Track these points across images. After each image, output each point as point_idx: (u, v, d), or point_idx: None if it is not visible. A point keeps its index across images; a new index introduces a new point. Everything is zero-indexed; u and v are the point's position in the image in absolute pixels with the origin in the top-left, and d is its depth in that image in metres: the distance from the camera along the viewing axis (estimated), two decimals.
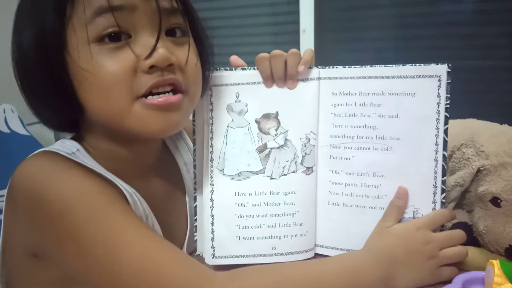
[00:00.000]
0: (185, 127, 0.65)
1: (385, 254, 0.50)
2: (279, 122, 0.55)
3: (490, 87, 2.03)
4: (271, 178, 0.55)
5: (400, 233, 0.51)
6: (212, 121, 0.56)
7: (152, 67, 0.47)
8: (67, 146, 0.51)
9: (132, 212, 0.48)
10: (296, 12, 2.16)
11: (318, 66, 0.56)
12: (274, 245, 0.54)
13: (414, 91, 0.51)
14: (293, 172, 0.55)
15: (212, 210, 0.55)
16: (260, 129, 0.55)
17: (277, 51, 0.55)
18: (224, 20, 2.37)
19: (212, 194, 0.55)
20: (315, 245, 0.55)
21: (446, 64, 0.50)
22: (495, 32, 1.95)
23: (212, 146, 0.55)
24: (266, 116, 0.56)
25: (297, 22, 2.17)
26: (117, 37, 0.47)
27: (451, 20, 2.03)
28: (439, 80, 0.50)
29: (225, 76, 0.56)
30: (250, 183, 0.54)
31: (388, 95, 0.52)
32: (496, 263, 0.47)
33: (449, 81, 0.50)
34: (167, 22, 0.49)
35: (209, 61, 0.56)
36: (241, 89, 0.56)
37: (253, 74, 0.56)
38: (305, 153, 0.55)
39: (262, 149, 0.55)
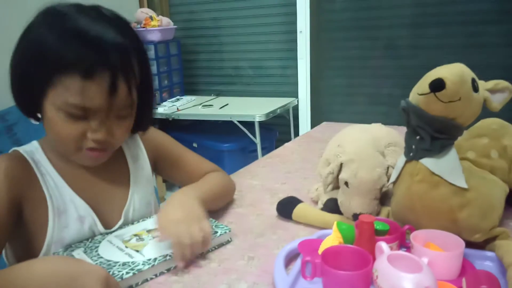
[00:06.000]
0: (141, 134, 0.89)
1: None
2: None
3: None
4: None
5: None
6: None
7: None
8: (32, 144, 0.78)
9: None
10: (293, 14, 2.39)
11: None
12: None
13: None
14: None
15: None
16: None
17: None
18: (231, 20, 2.63)
19: None
20: None
21: None
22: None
23: None
24: None
25: (294, 23, 2.40)
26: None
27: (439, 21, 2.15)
28: None
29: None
30: None
31: None
32: (335, 223, 0.74)
33: None
34: (116, 113, 0.72)
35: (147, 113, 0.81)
36: None
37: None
38: None
39: None
